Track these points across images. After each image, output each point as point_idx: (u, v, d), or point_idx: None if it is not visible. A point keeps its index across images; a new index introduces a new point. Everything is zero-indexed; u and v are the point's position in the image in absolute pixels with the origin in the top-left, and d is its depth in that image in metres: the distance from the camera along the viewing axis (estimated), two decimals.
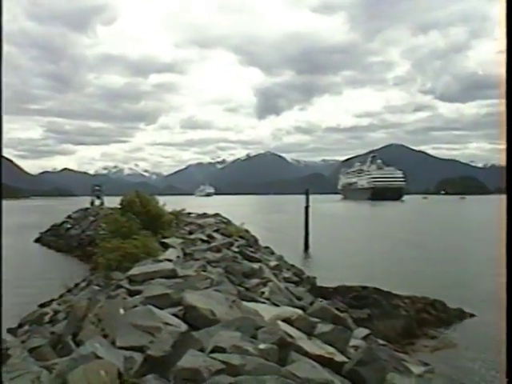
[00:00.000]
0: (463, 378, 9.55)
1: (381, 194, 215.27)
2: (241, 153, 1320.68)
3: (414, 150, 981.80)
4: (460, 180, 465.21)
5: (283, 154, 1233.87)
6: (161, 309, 6.57)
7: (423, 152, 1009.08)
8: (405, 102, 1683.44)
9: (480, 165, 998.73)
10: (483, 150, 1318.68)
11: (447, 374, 8.92)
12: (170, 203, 26.09)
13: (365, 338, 9.33)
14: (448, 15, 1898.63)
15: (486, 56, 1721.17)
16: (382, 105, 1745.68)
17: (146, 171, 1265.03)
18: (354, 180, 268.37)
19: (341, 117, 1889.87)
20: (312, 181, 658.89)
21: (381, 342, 10.43)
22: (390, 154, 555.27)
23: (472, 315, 16.23)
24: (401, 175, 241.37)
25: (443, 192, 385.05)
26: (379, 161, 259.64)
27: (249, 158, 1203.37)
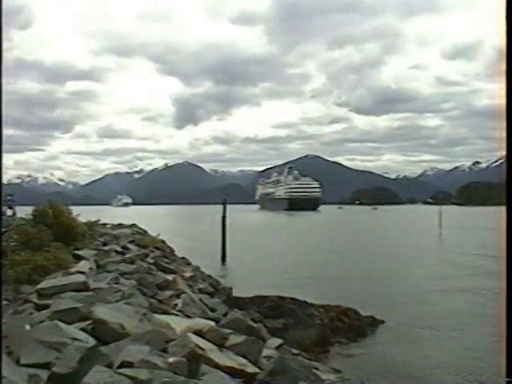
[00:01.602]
0: (373, 382, 9.81)
1: (297, 204, 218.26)
2: (159, 162, 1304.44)
3: (329, 161, 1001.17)
4: (373, 191, 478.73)
5: (201, 164, 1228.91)
6: (69, 324, 6.39)
7: (338, 163, 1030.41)
8: (321, 114, 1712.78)
9: (393, 176, 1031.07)
10: (395, 162, 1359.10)
11: (358, 379, 9.11)
12: (86, 213, 25.49)
13: (278, 347, 9.41)
14: (362, 31, 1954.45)
15: (399, 71, 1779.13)
16: (299, 116, 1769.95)
17: (61, 180, 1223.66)
18: (271, 190, 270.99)
19: (259, 128, 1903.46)
20: (230, 191, 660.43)
21: (295, 351, 10.55)
22: (306, 165, 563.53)
23: (383, 322, 16.72)
24: (317, 186, 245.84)
25: (358, 202, 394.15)
26: (296, 171, 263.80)
27: (167, 167, 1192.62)
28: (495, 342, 14.04)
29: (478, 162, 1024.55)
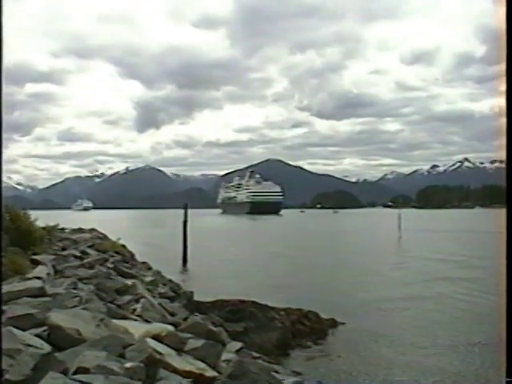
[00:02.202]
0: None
1: (259, 208, 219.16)
2: (120, 166, 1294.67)
3: (291, 165, 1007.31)
4: (334, 194, 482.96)
5: (163, 168, 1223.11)
6: (24, 330, 6.25)
7: (300, 167, 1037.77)
8: (283, 118, 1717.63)
9: (353, 180, 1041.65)
10: (356, 166, 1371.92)
11: (318, 382, 9.15)
12: (45, 218, 25.06)
13: (238, 351, 9.39)
14: (323, 36, 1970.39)
15: (359, 76, 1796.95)
16: (261, 120, 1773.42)
17: (19, 184, 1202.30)
18: (233, 194, 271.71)
19: (221, 132, 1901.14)
20: (192, 195, 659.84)
21: (255, 354, 10.54)
22: (268, 169, 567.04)
23: (343, 323, 16.85)
24: (279, 190, 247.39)
25: (319, 206, 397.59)
26: (258, 175, 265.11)
27: (128, 171, 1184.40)
28: (451, 347, 14.30)
29: (436, 166, 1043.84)
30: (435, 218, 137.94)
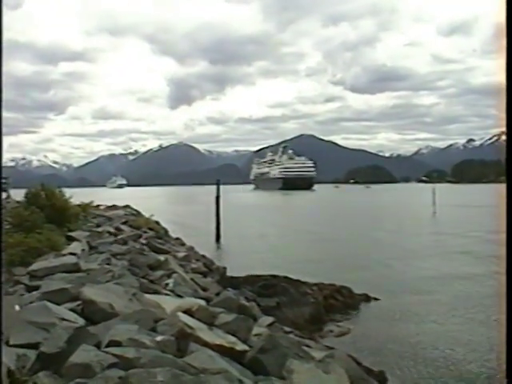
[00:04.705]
0: (364, 360, 9.83)
1: (292, 183, 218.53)
2: (153, 143, 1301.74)
3: (324, 140, 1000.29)
4: (368, 169, 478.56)
5: (196, 145, 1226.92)
6: (58, 304, 6.41)
7: (333, 142, 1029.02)
8: (316, 93, 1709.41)
9: (387, 154, 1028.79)
10: (390, 141, 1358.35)
11: (349, 357, 9.14)
12: (80, 195, 25.39)
13: (270, 325, 9.45)
14: (357, 7, 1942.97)
15: (394, 49, 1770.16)
16: (294, 95, 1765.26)
17: (55, 163, 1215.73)
18: (265, 170, 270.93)
19: (253, 107, 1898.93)
20: (225, 171, 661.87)
21: (287, 329, 10.60)
22: (301, 145, 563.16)
23: (376, 299, 16.72)
24: (311, 165, 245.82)
25: (352, 181, 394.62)
26: (290, 151, 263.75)
27: (161, 148, 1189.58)
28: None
29: (472, 140, 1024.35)
30: (471, 192, 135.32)
